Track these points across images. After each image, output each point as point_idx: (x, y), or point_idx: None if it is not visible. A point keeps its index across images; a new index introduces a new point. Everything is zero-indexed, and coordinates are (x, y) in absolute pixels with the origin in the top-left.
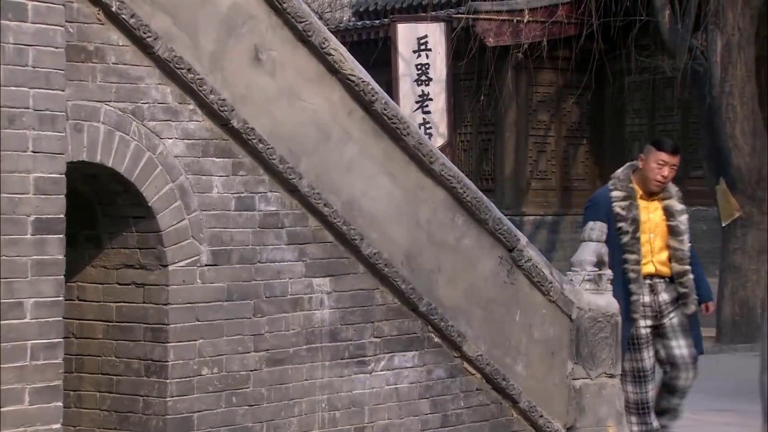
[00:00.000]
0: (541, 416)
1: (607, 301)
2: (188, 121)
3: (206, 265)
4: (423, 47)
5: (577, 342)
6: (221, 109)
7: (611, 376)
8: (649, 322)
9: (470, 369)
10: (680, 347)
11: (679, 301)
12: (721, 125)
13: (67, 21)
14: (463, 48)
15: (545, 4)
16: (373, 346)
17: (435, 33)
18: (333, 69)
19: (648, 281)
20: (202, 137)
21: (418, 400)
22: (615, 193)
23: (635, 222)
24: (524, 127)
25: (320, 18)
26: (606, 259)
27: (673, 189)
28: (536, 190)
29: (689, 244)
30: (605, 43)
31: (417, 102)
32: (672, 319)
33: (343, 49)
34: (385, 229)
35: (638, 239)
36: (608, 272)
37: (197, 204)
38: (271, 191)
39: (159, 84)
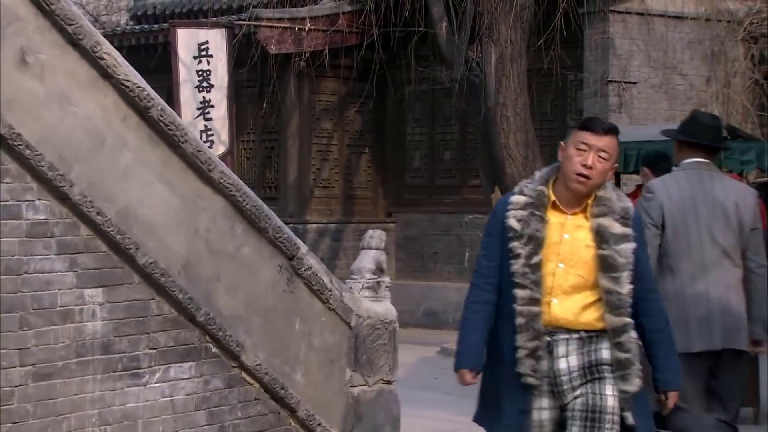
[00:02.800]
0: (320, 424)
1: (385, 308)
2: None
3: None
4: (204, 53)
5: (356, 349)
6: None
7: (388, 382)
8: (545, 402)
9: (249, 379)
10: None
11: (611, 369)
12: (495, 135)
13: None
14: (245, 55)
15: (327, 13)
16: (148, 357)
17: (216, 39)
18: (106, 74)
19: (545, 337)
20: None
21: (195, 411)
22: (515, 198)
23: (533, 241)
24: (307, 135)
25: (96, 21)
26: (384, 266)
27: (618, 203)
28: (319, 198)
29: (630, 286)
30: (386, 53)
31: (199, 109)
32: (576, 399)
33: (116, 54)
34: (163, 238)
35: (536, 267)
36: (386, 279)
37: None
38: (39, 199)
39: None
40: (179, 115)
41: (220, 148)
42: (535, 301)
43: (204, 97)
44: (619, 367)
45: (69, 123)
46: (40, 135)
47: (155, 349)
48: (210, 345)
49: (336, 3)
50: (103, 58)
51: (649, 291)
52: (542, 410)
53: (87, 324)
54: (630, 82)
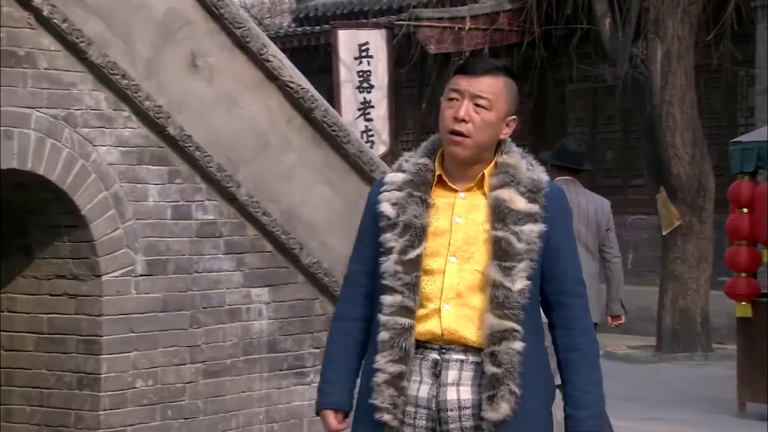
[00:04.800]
0: None
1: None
2: (123, 128)
3: (141, 275)
4: (364, 54)
5: None
6: (157, 115)
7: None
8: None
9: None
10: None
11: (485, 394)
12: (661, 134)
13: None
14: (405, 55)
15: (487, 12)
16: (312, 357)
17: (376, 40)
18: (272, 75)
19: (432, 355)
20: (137, 144)
21: None
22: (390, 177)
23: (410, 230)
24: None
25: (259, 24)
26: None
27: (527, 173)
28: None
29: (525, 282)
30: (547, 51)
31: (359, 109)
32: None
33: (281, 56)
34: (325, 238)
35: (412, 265)
36: None
37: (132, 213)
38: (208, 200)
39: (92, 90)
40: (340, 116)
41: (381, 148)
42: (405, 311)
43: (364, 98)
44: (487, 386)
45: (235, 125)
46: (208, 137)
47: (319, 348)
48: None
49: (497, 1)
50: (269, 61)
51: (568, 294)
52: None
53: (254, 323)
54: None
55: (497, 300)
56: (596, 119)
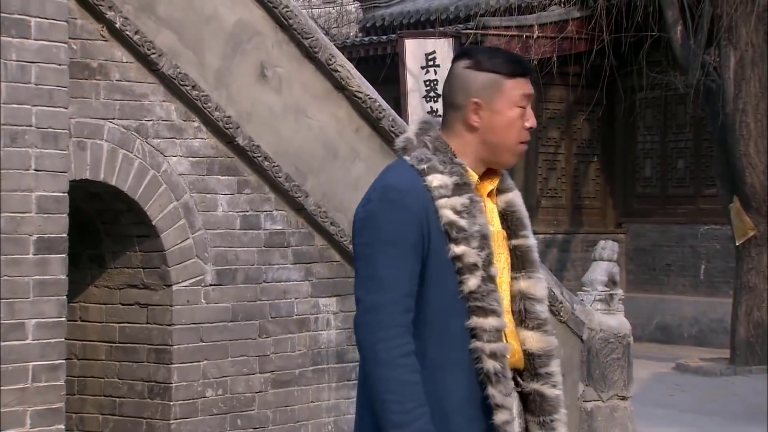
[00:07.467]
0: None
1: (618, 321)
2: (193, 138)
3: (211, 285)
4: (431, 63)
5: (588, 363)
6: (226, 126)
7: (623, 398)
8: None
9: None
10: None
11: (540, 417)
12: (734, 142)
13: (70, 38)
14: None
15: (555, 20)
16: None
17: (443, 49)
18: (340, 86)
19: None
20: (206, 155)
21: None
22: (437, 180)
23: (486, 241)
24: (534, 144)
25: (327, 34)
26: (617, 278)
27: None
28: (546, 208)
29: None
30: (616, 59)
31: None
32: None
33: (350, 66)
34: None
35: (495, 281)
36: (619, 292)
37: (202, 223)
38: (277, 210)
39: (163, 101)
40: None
41: None
42: (501, 333)
43: (431, 107)
44: (541, 410)
45: (304, 134)
46: (276, 146)
47: None
48: None
49: (565, 9)
50: (337, 71)
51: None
52: None
53: (322, 333)
54: None
55: (543, 315)
56: (667, 128)
